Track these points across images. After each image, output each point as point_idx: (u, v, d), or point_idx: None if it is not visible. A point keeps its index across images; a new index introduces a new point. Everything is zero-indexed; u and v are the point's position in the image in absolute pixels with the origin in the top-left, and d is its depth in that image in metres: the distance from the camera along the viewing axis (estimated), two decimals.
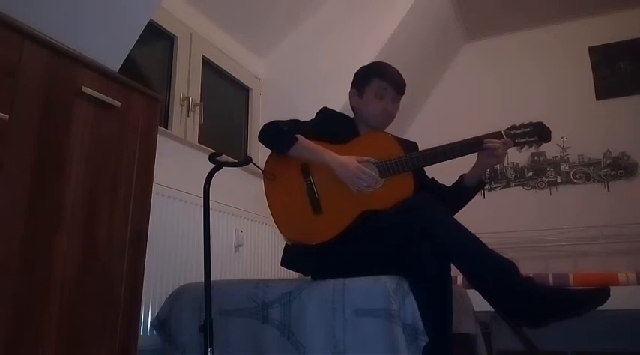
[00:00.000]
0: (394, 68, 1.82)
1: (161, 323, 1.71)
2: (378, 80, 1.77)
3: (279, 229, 1.59)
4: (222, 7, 2.78)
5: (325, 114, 1.83)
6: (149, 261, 1.48)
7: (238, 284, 1.77)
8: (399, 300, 1.42)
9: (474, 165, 1.72)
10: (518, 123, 1.71)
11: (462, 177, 1.75)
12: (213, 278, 1.39)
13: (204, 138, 2.67)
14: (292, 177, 1.62)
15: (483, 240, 1.50)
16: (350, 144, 1.70)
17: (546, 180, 3.59)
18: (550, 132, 1.70)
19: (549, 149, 3.62)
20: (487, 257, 1.44)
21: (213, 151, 1.67)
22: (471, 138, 1.68)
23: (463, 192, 1.75)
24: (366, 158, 1.63)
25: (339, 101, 2.95)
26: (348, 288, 1.48)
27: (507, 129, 1.70)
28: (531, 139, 1.69)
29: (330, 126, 1.73)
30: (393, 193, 1.60)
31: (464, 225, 1.51)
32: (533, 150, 1.74)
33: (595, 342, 2.83)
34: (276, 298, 1.57)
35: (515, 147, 1.70)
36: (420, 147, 1.82)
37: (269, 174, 1.63)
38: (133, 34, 1.81)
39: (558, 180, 3.56)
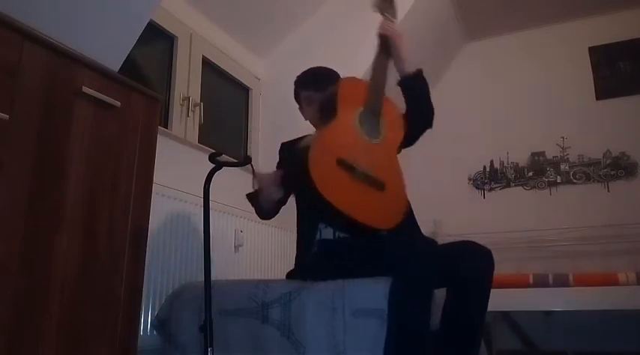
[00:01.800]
0: (311, 69, 1.88)
1: (161, 323, 1.71)
2: (301, 91, 1.86)
3: (375, 225, 1.53)
4: (222, 7, 2.78)
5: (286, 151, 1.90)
6: (149, 261, 1.48)
7: (238, 284, 1.77)
8: None
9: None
10: None
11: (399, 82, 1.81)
12: (213, 278, 1.39)
13: (204, 138, 2.67)
14: (338, 176, 1.51)
15: (483, 240, 1.51)
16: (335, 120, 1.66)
17: (546, 180, 3.59)
18: None
19: (549, 149, 3.62)
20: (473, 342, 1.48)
21: (213, 151, 1.66)
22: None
23: (412, 87, 1.82)
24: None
25: None
26: (347, 289, 1.48)
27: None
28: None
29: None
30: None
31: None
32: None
33: (595, 342, 2.83)
34: (276, 298, 1.57)
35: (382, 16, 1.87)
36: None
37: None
38: (133, 34, 1.81)
39: (558, 180, 3.56)
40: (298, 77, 1.90)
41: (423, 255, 1.40)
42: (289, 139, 1.92)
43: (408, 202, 1.65)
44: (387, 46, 1.80)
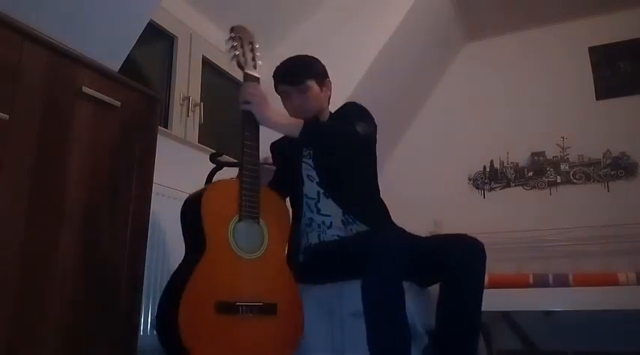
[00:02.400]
0: (287, 60, 1.79)
1: None
2: (277, 84, 1.79)
3: None
4: (222, 7, 2.78)
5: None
6: (149, 261, 1.48)
7: None
8: None
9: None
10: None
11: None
12: None
13: (204, 138, 2.67)
14: (221, 328, 1.35)
15: (483, 241, 1.50)
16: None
17: (546, 180, 3.59)
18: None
19: (549, 149, 3.62)
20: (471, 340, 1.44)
21: (214, 151, 1.67)
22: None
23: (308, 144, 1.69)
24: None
25: (339, 101, 2.95)
26: (345, 290, 1.48)
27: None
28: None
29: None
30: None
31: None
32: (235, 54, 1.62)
33: (595, 342, 2.83)
34: None
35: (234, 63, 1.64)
36: None
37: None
38: (133, 34, 1.81)
39: (558, 180, 3.56)
40: (276, 68, 1.80)
41: (385, 251, 1.36)
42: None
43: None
44: (252, 121, 1.60)
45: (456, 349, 1.43)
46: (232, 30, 1.64)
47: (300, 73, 1.74)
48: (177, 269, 1.44)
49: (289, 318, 1.46)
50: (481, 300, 1.45)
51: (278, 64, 1.83)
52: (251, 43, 1.66)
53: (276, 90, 1.81)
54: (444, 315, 1.46)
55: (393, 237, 1.44)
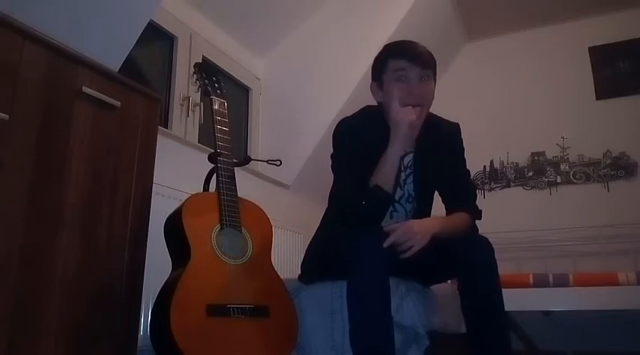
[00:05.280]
0: (409, 41, 1.56)
1: None
2: (392, 61, 1.50)
3: None
4: (222, 7, 2.78)
5: (352, 134, 1.55)
6: (149, 260, 1.48)
7: None
8: (396, 303, 1.42)
9: None
10: None
11: None
12: None
13: (204, 138, 2.67)
14: (212, 332, 1.36)
15: None
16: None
17: (546, 180, 3.59)
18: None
19: (549, 149, 3.62)
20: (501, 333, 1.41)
21: (213, 151, 1.66)
22: None
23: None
24: None
25: (340, 101, 2.95)
26: (345, 291, 1.48)
27: None
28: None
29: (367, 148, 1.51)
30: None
31: None
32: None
33: (595, 342, 2.83)
34: None
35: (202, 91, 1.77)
36: None
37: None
38: (133, 34, 1.81)
39: (558, 180, 3.56)
40: (393, 43, 1.56)
41: (362, 252, 1.33)
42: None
43: None
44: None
45: (496, 349, 1.40)
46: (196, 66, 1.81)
47: (429, 58, 1.52)
48: (165, 281, 1.44)
49: (282, 320, 1.46)
50: (502, 296, 1.41)
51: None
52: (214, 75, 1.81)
53: (380, 68, 1.55)
54: (476, 319, 1.42)
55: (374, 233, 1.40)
